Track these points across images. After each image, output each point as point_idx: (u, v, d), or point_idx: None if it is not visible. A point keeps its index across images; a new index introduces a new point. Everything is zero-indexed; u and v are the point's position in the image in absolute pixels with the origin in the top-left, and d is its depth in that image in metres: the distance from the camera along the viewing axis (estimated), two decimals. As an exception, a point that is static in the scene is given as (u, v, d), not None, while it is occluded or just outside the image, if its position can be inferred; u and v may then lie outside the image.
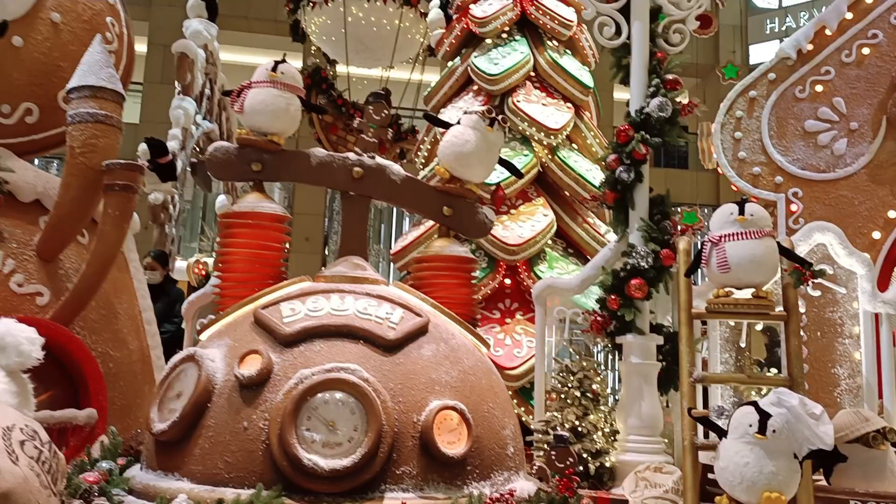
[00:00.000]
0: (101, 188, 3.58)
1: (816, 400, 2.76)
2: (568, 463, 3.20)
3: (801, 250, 4.30)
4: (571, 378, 4.04)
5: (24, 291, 3.65)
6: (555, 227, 6.20)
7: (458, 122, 3.58)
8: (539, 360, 4.38)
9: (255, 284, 3.11)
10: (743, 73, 5.12)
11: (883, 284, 4.54)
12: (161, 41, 15.05)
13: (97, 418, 3.41)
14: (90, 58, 3.64)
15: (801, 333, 3.85)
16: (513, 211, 6.26)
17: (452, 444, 2.63)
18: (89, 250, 3.73)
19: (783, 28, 18.92)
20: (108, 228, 3.58)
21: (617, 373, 4.77)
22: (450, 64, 7.12)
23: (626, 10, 4.44)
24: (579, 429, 3.92)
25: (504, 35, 6.71)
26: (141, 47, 12.73)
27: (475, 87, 6.71)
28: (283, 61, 3.37)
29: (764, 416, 2.56)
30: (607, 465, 3.89)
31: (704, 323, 4.57)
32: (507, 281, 6.10)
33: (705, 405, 4.38)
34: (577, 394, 3.99)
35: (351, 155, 3.42)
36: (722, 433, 2.72)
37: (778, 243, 3.29)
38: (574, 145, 6.65)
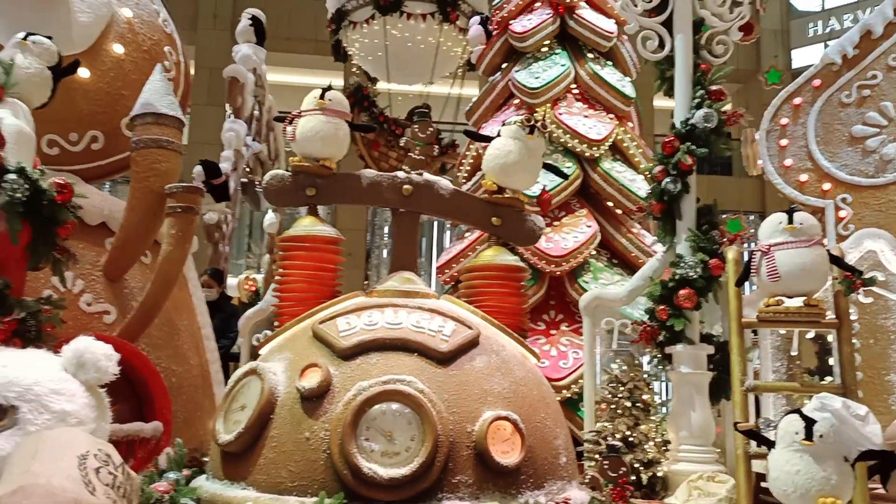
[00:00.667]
0: (163, 210, 3.72)
1: (871, 408, 2.75)
2: (621, 472, 3.22)
3: (852, 257, 4.26)
4: (621, 388, 4.06)
5: (92, 310, 3.80)
6: (598, 238, 6.20)
7: (499, 135, 3.61)
8: (588, 371, 4.41)
9: (311, 303, 3.20)
10: (786, 78, 5.07)
11: (936, 290, 4.47)
12: (207, 64, 15.32)
13: (163, 431, 3.53)
14: (152, 86, 3.80)
15: (854, 341, 3.81)
16: (556, 222, 6.28)
17: (506, 453, 2.67)
18: (153, 270, 3.88)
19: (826, 30, 18.47)
20: (171, 249, 3.71)
21: (665, 383, 4.77)
22: (491, 79, 7.20)
23: (668, 24, 4.48)
24: (630, 439, 3.94)
25: (544, 48, 6.76)
26: (188, 70, 13.00)
27: (517, 101, 6.76)
28: (330, 88, 3.46)
29: (809, 423, 2.55)
30: (659, 474, 3.90)
31: (755, 332, 4.54)
32: (552, 292, 6.12)
33: (757, 415, 4.35)
34: (628, 404, 4.01)
35: (400, 173, 3.50)
36: (770, 444, 2.71)
37: (828, 251, 3.28)
38: (617, 156, 6.66)
